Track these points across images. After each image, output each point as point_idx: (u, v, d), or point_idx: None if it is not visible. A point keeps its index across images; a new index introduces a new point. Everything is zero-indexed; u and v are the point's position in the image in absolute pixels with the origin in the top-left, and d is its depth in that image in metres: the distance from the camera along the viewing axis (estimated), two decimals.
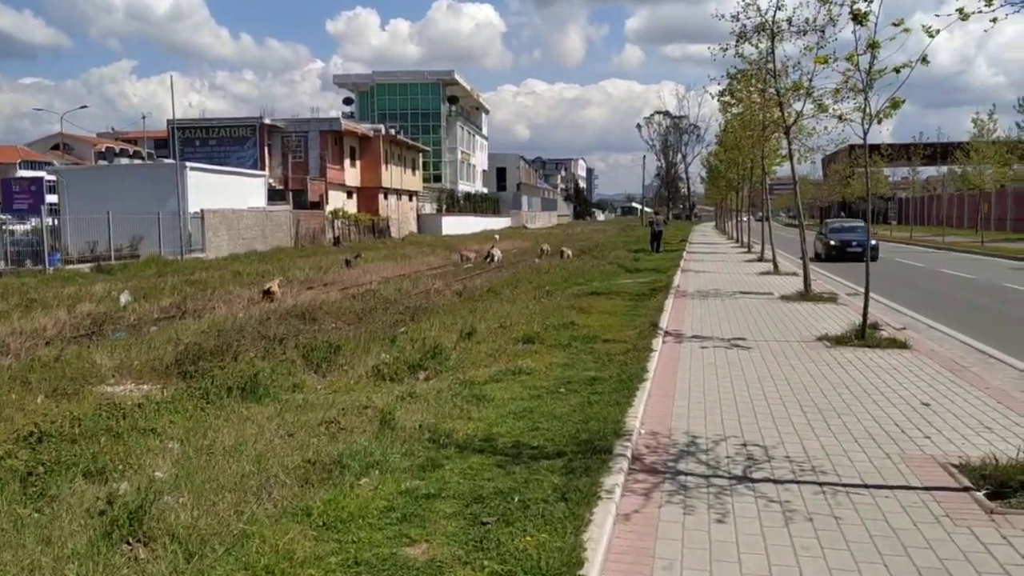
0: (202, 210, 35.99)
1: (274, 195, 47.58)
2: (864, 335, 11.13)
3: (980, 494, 5.17)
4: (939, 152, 62.07)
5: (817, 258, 29.64)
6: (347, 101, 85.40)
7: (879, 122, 10.96)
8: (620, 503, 5.02)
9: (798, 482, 5.48)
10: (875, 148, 61.62)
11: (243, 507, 5.09)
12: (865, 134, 11.03)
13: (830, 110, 11.76)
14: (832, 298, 16.65)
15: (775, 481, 5.50)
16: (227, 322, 15.85)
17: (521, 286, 22.12)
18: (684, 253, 34.19)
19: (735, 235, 52.00)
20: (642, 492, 5.27)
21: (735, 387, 8.41)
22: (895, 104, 10.53)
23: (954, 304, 17.02)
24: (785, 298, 16.76)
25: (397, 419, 6.74)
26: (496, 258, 34.11)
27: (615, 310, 14.60)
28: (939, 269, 26.45)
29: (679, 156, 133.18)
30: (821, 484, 5.43)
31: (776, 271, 23.50)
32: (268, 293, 24.26)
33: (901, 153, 59.37)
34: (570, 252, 33.94)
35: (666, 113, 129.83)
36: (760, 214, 60.40)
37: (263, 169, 50.45)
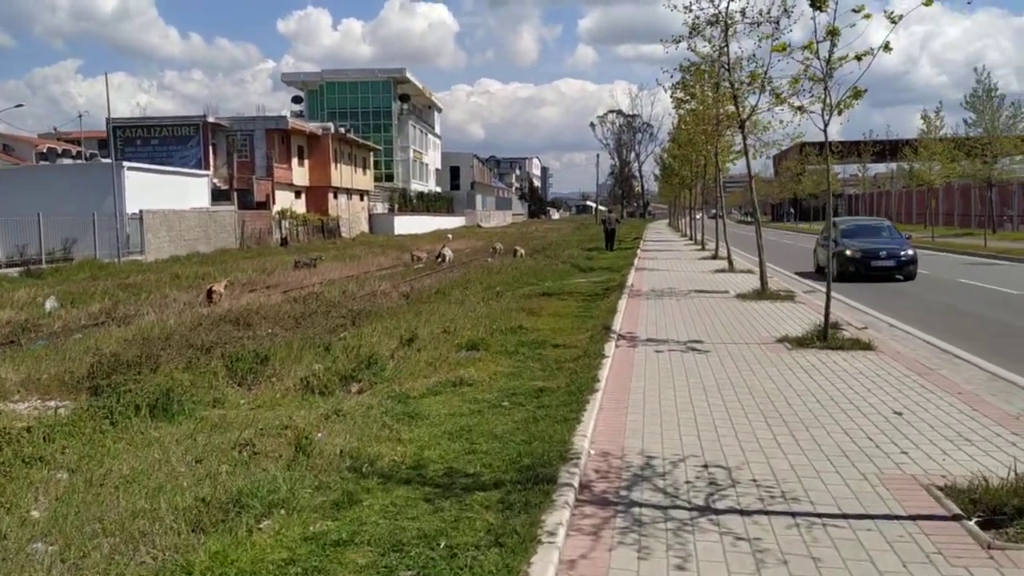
0: (141, 211, 34.61)
1: (219, 195, 46.17)
2: (827, 336, 10.58)
3: (973, 524, 4.54)
4: (888, 149, 62.81)
5: (819, 273, 21.51)
6: (296, 100, 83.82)
7: (839, 113, 10.43)
8: (564, 547, 4.29)
9: (768, 512, 4.80)
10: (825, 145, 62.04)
11: (117, 560, 4.26)
12: (825, 126, 10.49)
13: (788, 102, 11.18)
14: (789, 296, 16.18)
15: (742, 512, 4.81)
16: (154, 329, 14.88)
17: (471, 287, 21.38)
18: (638, 251, 33.73)
19: (689, 233, 51.82)
20: (590, 531, 4.54)
21: (693, 397, 7.74)
22: (857, 94, 10.00)
23: (912, 301, 16.65)
24: (742, 297, 16.24)
25: (315, 444, 5.94)
26: (447, 258, 33.31)
27: (566, 312, 13.92)
28: None
29: (633, 154, 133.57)
30: (794, 515, 4.76)
31: (731, 268, 23.06)
32: (211, 294, 23.23)
33: (851, 150, 59.90)
34: (523, 251, 33.27)
35: (619, 112, 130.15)
36: (713, 211, 60.64)
37: (207, 169, 48.97)
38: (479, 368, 8.97)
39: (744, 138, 16.46)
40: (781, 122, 16.50)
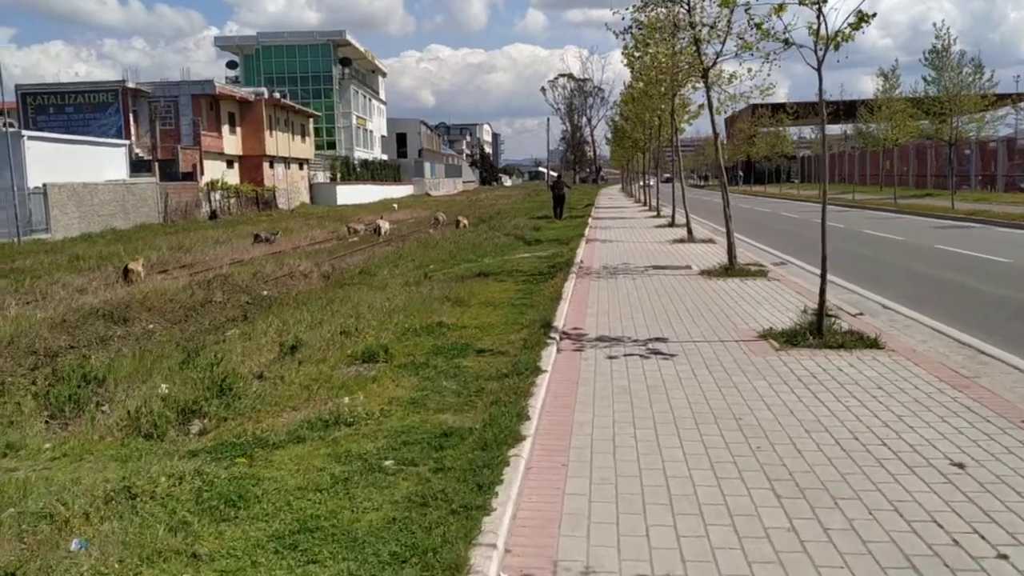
0: (45, 185, 31.38)
1: (141, 167, 42.79)
2: (821, 330, 8.40)
3: None
4: (843, 110, 61.25)
5: None
6: (231, 65, 79.77)
7: (836, 48, 8.16)
8: None
9: None
10: (780, 107, 60.40)
11: None
12: (820, 63, 8.23)
13: (768, 36, 8.86)
14: (761, 272, 14.04)
15: None
16: (3, 329, 12.23)
17: (402, 264, 18.99)
18: (589, 220, 31.46)
19: (642, 198, 49.74)
20: None
21: (662, 440, 5.47)
22: (862, 19, 7.74)
23: (898, 274, 14.63)
24: (707, 274, 14.06)
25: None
26: (384, 231, 30.76)
27: (502, 299, 11.58)
28: (863, 231, 24.38)
29: (584, 119, 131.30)
30: None
31: (691, 238, 20.92)
32: (128, 274, 20.61)
33: (807, 111, 58.18)
34: (466, 222, 30.85)
35: (570, 76, 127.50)
36: (666, 176, 58.46)
37: (129, 138, 45.46)
38: (371, 393, 6.62)
39: (708, 90, 14.20)
40: (749, 71, 14.30)
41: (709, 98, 14.18)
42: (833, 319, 8.74)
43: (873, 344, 8.06)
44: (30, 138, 32.44)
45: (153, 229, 36.59)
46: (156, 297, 15.59)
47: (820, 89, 8.52)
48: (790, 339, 8.40)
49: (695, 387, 6.75)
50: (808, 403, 6.21)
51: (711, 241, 20.70)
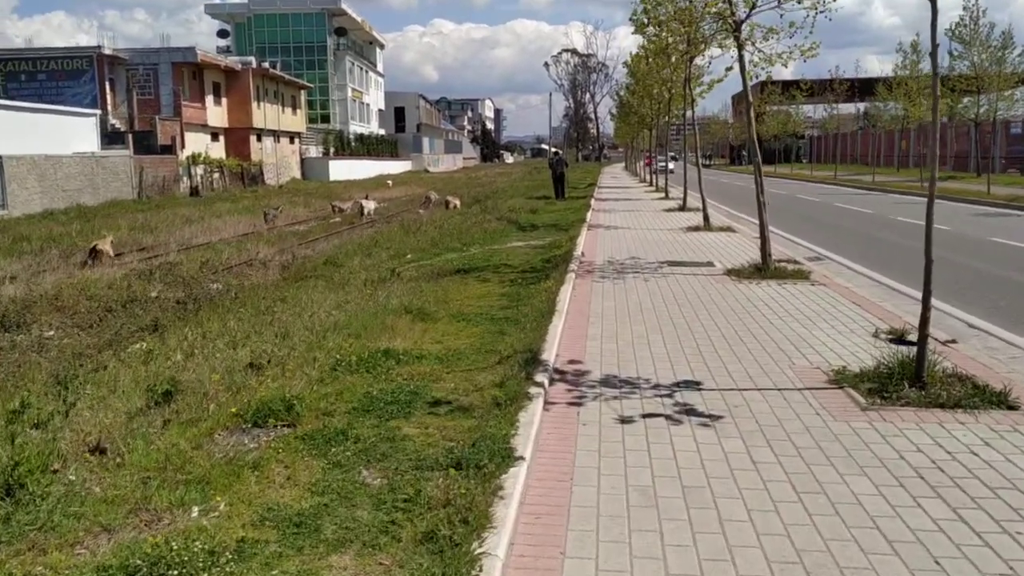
0: (0, 157, 28.75)
1: (117, 139, 40.11)
2: (921, 374, 5.87)
3: None
4: (857, 88, 58.29)
5: None
6: (222, 33, 76.78)
7: None
8: None
9: None
10: (793, 84, 57.54)
11: None
12: None
13: None
14: (800, 272, 11.47)
15: None
16: None
17: (375, 254, 16.47)
18: (592, 201, 28.82)
19: (648, 178, 47.06)
20: None
21: None
22: None
23: (962, 275, 12.06)
24: (735, 274, 11.49)
25: None
26: (368, 211, 28.20)
27: (479, 310, 9.05)
28: (896, 217, 21.75)
29: (588, 96, 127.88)
30: None
31: (707, 225, 18.33)
32: (96, 254, 18.20)
33: (822, 88, 55.30)
34: (457, 203, 28.27)
35: (574, 51, 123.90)
36: (672, 154, 55.79)
37: (104, 108, 42.75)
38: (239, 496, 4.12)
39: (740, 48, 11.55)
40: (792, 25, 11.65)
41: (741, 59, 11.55)
42: (935, 357, 6.21)
43: (1002, 401, 5.54)
44: None
45: (124, 206, 34.00)
46: (75, 292, 13.10)
47: (934, 23, 5.90)
48: (877, 387, 5.87)
49: (759, 493, 4.23)
50: (959, 536, 3.69)
51: (730, 229, 18.12)
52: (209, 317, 10.53)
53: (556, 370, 6.50)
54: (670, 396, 5.87)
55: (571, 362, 6.79)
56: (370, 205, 28.68)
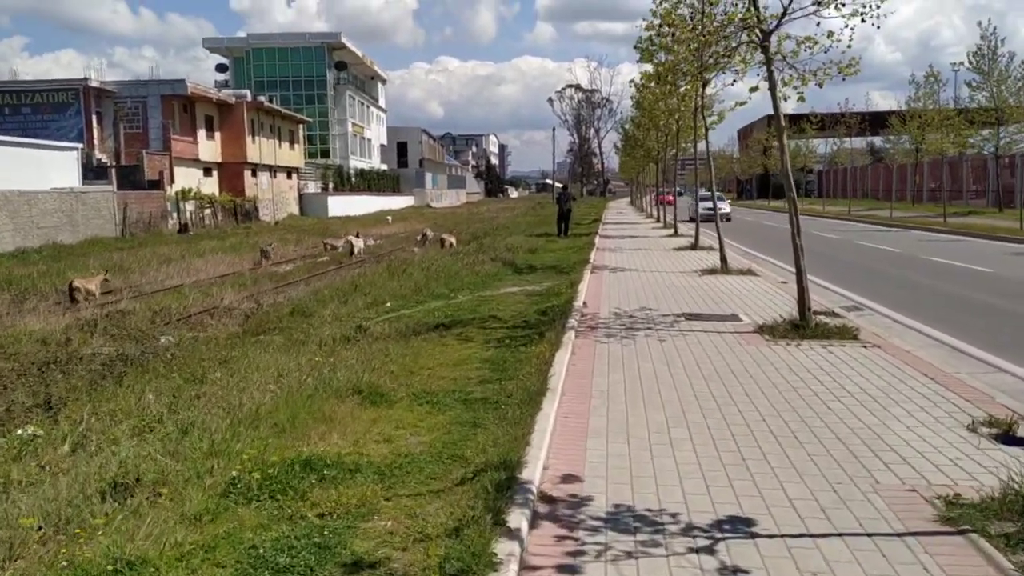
0: None
1: (103, 174, 38.48)
2: None
3: None
4: (868, 121, 56.70)
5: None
6: (220, 68, 75.64)
7: None
8: None
9: None
10: (802, 117, 56.03)
11: None
12: None
13: None
14: (847, 331, 9.47)
15: None
16: None
17: (352, 301, 14.59)
18: (596, 239, 26.97)
19: (655, 213, 45.30)
20: None
21: None
22: None
23: None
24: (769, 332, 9.53)
25: None
26: (357, 250, 26.37)
27: (450, 388, 7.10)
28: (926, 256, 19.84)
29: (592, 131, 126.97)
30: None
31: (725, 268, 16.42)
32: (74, 293, 16.49)
33: (831, 122, 53.73)
34: (453, 240, 26.40)
35: (578, 87, 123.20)
36: (676, 189, 53.50)
37: (90, 142, 41.21)
38: None
39: (768, 63, 9.72)
40: (830, 35, 9.82)
41: (771, 75, 9.72)
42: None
43: None
44: None
45: (105, 244, 32.26)
46: None
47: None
48: (1019, 533, 3.93)
49: None
50: None
51: (751, 272, 16.20)
52: (132, 385, 8.66)
53: (543, 496, 4.54)
54: (711, 551, 3.90)
55: (565, 479, 4.83)
56: (359, 244, 26.86)
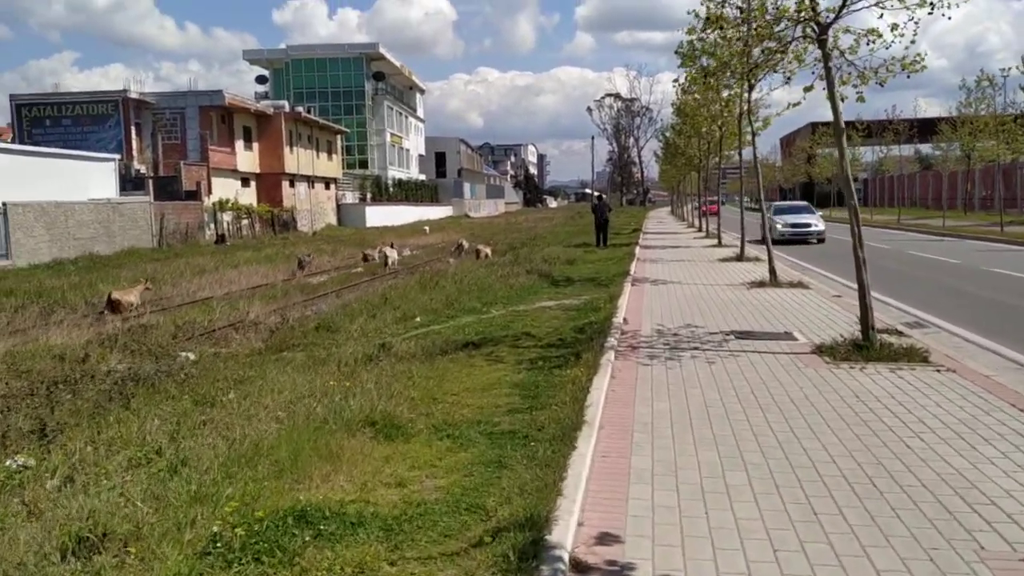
0: (4, 204, 27.06)
1: (140, 184, 38.57)
2: None
3: None
4: (917, 128, 55.10)
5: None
6: (260, 80, 76.06)
7: None
8: None
9: None
10: (849, 124, 54.64)
11: None
12: None
13: None
14: (915, 352, 8.54)
15: None
16: None
17: (381, 315, 13.94)
18: (637, 249, 26.12)
19: (696, 223, 44.28)
20: None
21: None
22: None
23: None
24: (829, 353, 8.65)
25: None
26: (392, 261, 25.82)
27: (475, 418, 6.37)
28: (991, 268, 18.67)
29: (631, 140, 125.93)
30: None
31: (774, 280, 15.52)
32: (114, 305, 16.23)
33: (879, 129, 52.23)
34: (488, 252, 25.73)
35: (617, 96, 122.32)
36: (714, 198, 52.06)
37: (129, 153, 41.38)
38: None
39: (825, 60, 8.89)
40: (895, 28, 8.97)
41: (828, 73, 8.89)
42: None
43: None
44: None
45: (140, 255, 32.18)
46: (4, 367, 10.77)
47: None
48: None
49: None
50: None
51: (801, 285, 15.27)
52: (139, 409, 8.09)
53: (576, 564, 3.78)
54: None
55: (602, 540, 4.06)
56: (394, 254, 26.30)
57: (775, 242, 19.41)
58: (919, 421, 6.13)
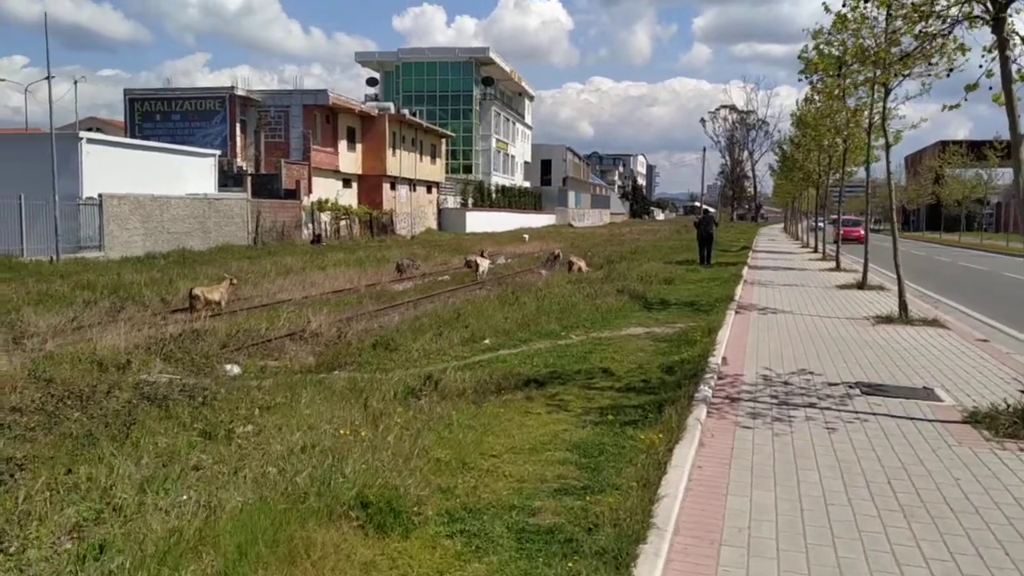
0: (100, 195, 27.07)
1: (240, 181, 38.61)
2: None
3: None
4: None
5: None
6: (371, 82, 76.49)
7: None
8: None
9: None
10: (986, 143, 50.69)
11: None
12: None
13: None
14: None
15: None
16: None
17: (449, 333, 12.50)
18: (745, 269, 23.97)
19: (812, 243, 41.41)
20: None
21: None
22: None
23: None
24: (986, 423, 6.67)
25: None
26: (482, 270, 24.47)
27: (509, 501, 4.77)
28: None
29: (745, 153, 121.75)
30: None
31: (905, 316, 13.34)
32: (194, 301, 15.64)
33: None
34: (583, 264, 24.04)
35: (732, 107, 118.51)
36: (832, 218, 48.65)
37: (233, 149, 41.58)
38: None
39: (1001, 50, 6.93)
40: None
41: (1005, 64, 6.94)
42: None
43: None
44: (89, 141, 28.23)
45: (233, 252, 31.88)
46: (24, 374, 9.79)
47: None
48: None
49: None
50: None
51: (937, 323, 13.04)
52: (138, 440, 6.87)
53: None
54: None
55: None
56: (484, 264, 24.93)
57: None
58: None
